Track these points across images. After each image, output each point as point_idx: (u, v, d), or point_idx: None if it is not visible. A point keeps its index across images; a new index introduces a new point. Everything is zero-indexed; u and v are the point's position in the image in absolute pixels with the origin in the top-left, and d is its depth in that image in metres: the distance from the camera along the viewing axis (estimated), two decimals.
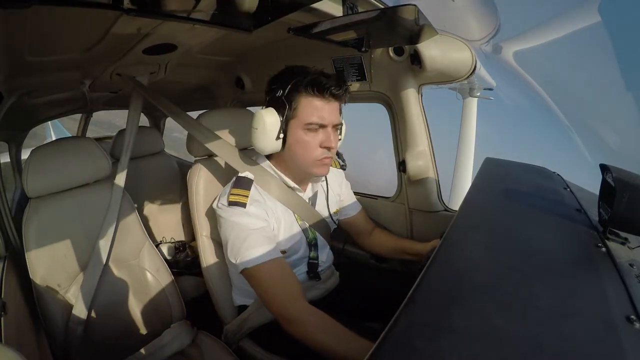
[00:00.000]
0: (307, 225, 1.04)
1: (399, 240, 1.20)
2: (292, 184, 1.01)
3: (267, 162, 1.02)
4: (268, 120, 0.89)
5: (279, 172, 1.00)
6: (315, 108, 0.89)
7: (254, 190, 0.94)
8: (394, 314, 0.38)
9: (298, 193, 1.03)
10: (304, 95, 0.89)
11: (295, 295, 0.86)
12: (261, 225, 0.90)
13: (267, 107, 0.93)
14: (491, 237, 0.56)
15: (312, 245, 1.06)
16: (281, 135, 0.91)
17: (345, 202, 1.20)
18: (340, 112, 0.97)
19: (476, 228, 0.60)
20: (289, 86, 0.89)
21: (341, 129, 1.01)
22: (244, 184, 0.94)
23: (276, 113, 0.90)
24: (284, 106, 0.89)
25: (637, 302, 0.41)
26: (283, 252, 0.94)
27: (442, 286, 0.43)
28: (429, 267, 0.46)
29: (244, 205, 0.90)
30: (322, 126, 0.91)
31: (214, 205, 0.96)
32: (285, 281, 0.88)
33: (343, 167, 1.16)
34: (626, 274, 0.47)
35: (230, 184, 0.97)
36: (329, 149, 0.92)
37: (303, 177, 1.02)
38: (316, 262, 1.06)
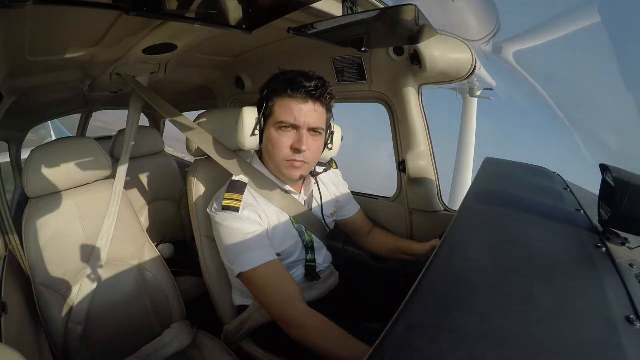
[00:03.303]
0: (303, 227, 1.04)
1: (397, 241, 1.19)
2: (286, 187, 1.00)
3: (262, 164, 1.01)
4: (246, 116, 0.92)
5: (271, 175, 1.00)
6: (289, 108, 0.88)
7: (247, 194, 0.94)
8: (394, 314, 0.38)
9: (293, 196, 1.02)
10: (280, 95, 0.89)
11: (293, 298, 0.85)
12: (255, 229, 0.90)
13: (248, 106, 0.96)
14: (491, 237, 0.56)
15: (309, 248, 1.05)
16: (256, 132, 0.93)
17: (342, 203, 1.19)
18: (331, 119, 0.98)
19: (476, 228, 0.60)
20: (270, 86, 0.92)
21: (330, 136, 1.00)
22: (238, 188, 0.94)
23: (256, 111, 0.93)
24: (262, 104, 0.92)
25: (637, 303, 0.41)
26: (278, 254, 0.93)
27: (442, 286, 0.43)
28: (428, 267, 0.46)
29: (237, 209, 0.90)
30: (295, 127, 0.89)
31: (208, 210, 0.96)
32: (282, 284, 0.87)
33: (312, 174, 1.11)
34: (626, 274, 0.47)
35: (223, 188, 0.97)
36: (299, 151, 0.89)
37: (287, 177, 0.98)
38: (314, 264, 1.06)
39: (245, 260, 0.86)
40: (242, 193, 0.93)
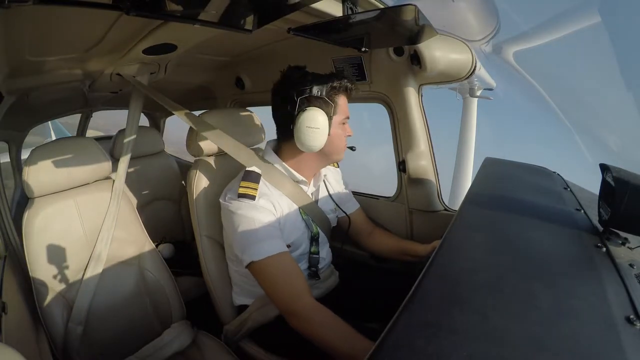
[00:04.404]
0: (310, 219, 1.06)
1: (399, 241, 1.20)
2: (300, 177, 1.02)
3: (275, 156, 1.03)
4: (322, 120, 0.93)
5: (288, 167, 1.02)
6: (346, 105, 1.00)
7: (262, 184, 0.96)
8: (394, 314, 0.38)
9: (303, 187, 1.04)
10: (338, 94, 0.97)
11: (301, 291, 0.87)
12: (269, 219, 0.91)
13: (309, 106, 0.93)
14: (491, 237, 0.56)
15: (315, 240, 1.07)
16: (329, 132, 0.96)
17: (343, 199, 1.21)
18: None
19: (476, 228, 0.60)
20: (328, 87, 0.94)
21: None
22: (253, 177, 0.96)
23: (324, 112, 0.93)
24: (330, 105, 0.94)
25: (637, 303, 0.41)
26: (288, 246, 0.95)
27: (442, 286, 0.43)
28: (429, 267, 0.46)
29: (253, 197, 0.91)
30: (347, 119, 1.01)
31: (221, 200, 0.97)
32: (292, 276, 0.89)
33: (352, 149, 1.14)
34: (626, 274, 0.47)
35: (237, 178, 0.99)
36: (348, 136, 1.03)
37: (321, 168, 1.08)
38: (317, 256, 1.07)
39: (258, 250, 0.87)
40: (257, 182, 0.95)
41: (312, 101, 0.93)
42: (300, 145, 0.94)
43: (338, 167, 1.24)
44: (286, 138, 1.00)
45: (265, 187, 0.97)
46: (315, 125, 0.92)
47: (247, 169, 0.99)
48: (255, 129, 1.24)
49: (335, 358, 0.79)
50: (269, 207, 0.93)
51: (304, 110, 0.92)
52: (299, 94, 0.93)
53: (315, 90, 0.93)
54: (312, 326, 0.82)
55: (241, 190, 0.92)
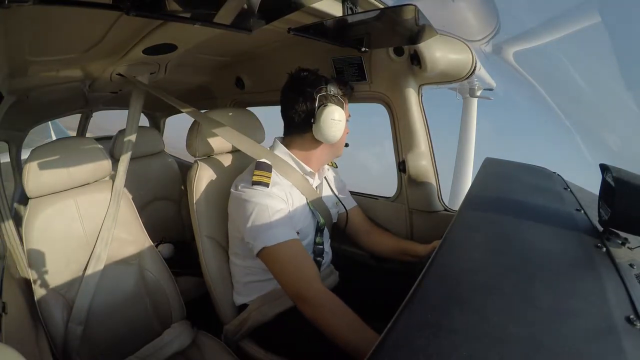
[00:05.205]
0: (317, 211, 1.08)
1: (399, 241, 1.20)
2: (308, 169, 1.06)
3: (285, 149, 1.06)
4: (342, 114, 1.00)
5: (297, 159, 1.05)
6: (348, 106, 1.07)
7: (273, 174, 0.99)
8: (394, 314, 0.38)
9: (309, 179, 1.07)
10: (345, 95, 1.05)
11: (312, 277, 0.88)
12: (281, 207, 0.94)
13: (328, 103, 1.00)
14: (491, 237, 0.56)
15: (320, 230, 1.10)
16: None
17: (342, 197, 1.22)
18: None
19: (476, 228, 0.60)
20: (337, 88, 1.03)
21: None
22: (265, 167, 0.99)
23: (341, 108, 1.01)
24: (342, 104, 1.02)
25: (637, 303, 0.41)
26: (297, 232, 0.97)
27: (442, 286, 0.43)
28: (429, 267, 0.46)
29: (267, 185, 0.94)
30: (349, 117, 1.10)
31: (232, 190, 0.99)
32: (303, 262, 0.90)
33: (346, 145, 1.20)
34: (626, 274, 0.47)
35: (249, 169, 1.02)
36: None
37: (328, 161, 1.14)
38: (322, 247, 1.10)
39: (270, 236, 0.89)
40: (270, 171, 0.98)
41: (329, 99, 0.99)
42: (321, 136, 1.00)
43: (337, 167, 1.26)
44: (299, 132, 1.04)
45: (277, 176, 1.00)
46: (338, 118, 0.99)
47: (258, 160, 1.01)
48: (255, 128, 1.25)
49: (339, 347, 0.79)
50: (282, 195, 0.96)
51: (326, 105, 0.98)
52: (318, 92, 0.99)
53: (331, 89, 1.00)
54: (322, 313, 0.83)
55: (255, 178, 0.95)
